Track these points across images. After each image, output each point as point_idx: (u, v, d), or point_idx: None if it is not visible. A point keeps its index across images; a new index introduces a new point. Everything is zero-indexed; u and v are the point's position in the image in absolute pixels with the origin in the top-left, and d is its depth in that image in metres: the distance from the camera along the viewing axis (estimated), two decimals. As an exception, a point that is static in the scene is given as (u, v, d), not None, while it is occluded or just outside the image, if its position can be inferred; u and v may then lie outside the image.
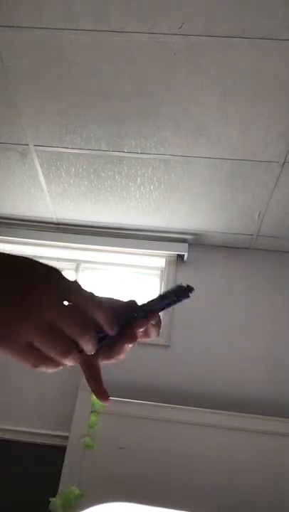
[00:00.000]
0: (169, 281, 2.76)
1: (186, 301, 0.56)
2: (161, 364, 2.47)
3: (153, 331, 0.54)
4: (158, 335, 0.55)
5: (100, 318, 0.48)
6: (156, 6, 1.60)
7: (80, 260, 2.96)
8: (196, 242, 2.87)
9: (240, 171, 2.27)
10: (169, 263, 2.86)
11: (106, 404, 0.52)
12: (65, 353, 0.45)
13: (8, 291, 0.44)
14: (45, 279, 0.46)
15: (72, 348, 0.46)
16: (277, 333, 2.60)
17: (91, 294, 0.48)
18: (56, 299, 0.46)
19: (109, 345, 0.51)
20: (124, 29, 1.69)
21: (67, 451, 2.10)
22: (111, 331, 0.49)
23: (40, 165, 2.40)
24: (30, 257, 0.48)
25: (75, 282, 0.48)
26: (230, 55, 1.73)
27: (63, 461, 2.07)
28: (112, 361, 0.53)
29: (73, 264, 2.96)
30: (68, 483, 1.99)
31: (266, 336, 2.58)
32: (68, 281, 0.48)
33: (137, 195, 2.53)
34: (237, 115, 1.98)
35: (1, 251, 0.48)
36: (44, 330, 0.44)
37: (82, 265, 2.97)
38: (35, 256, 2.96)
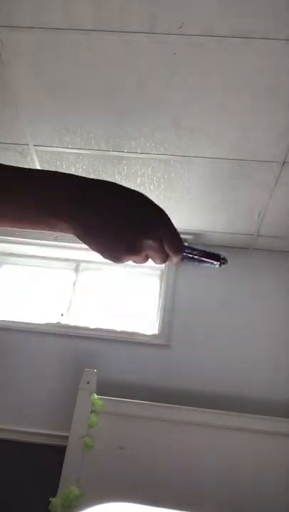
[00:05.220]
0: (169, 281, 2.76)
1: (213, 265, 0.72)
2: (161, 364, 2.47)
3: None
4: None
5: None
6: (156, 6, 1.60)
7: (80, 260, 2.96)
8: (196, 242, 2.86)
9: (240, 171, 2.27)
10: (169, 263, 2.85)
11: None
12: (162, 262, 0.68)
13: (133, 216, 0.62)
14: (158, 209, 0.66)
15: (166, 259, 0.68)
16: (277, 332, 2.60)
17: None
18: (169, 225, 0.66)
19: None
20: (124, 29, 1.69)
21: (67, 451, 2.10)
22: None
23: (40, 165, 2.40)
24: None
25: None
26: (231, 55, 1.73)
27: (63, 461, 2.07)
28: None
29: (73, 264, 2.96)
30: (68, 483, 1.99)
31: (266, 336, 2.58)
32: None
33: (137, 195, 2.53)
34: (237, 115, 1.98)
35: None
36: (155, 246, 0.64)
37: (82, 265, 2.96)
38: (35, 255, 2.96)
